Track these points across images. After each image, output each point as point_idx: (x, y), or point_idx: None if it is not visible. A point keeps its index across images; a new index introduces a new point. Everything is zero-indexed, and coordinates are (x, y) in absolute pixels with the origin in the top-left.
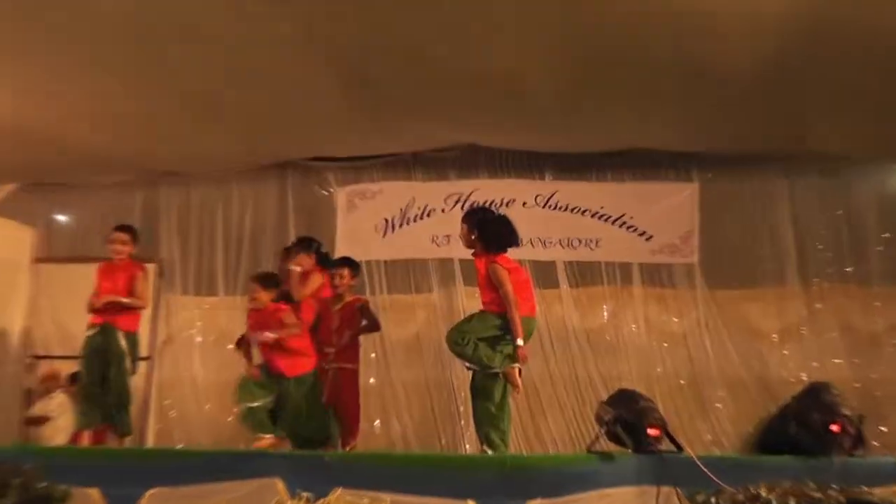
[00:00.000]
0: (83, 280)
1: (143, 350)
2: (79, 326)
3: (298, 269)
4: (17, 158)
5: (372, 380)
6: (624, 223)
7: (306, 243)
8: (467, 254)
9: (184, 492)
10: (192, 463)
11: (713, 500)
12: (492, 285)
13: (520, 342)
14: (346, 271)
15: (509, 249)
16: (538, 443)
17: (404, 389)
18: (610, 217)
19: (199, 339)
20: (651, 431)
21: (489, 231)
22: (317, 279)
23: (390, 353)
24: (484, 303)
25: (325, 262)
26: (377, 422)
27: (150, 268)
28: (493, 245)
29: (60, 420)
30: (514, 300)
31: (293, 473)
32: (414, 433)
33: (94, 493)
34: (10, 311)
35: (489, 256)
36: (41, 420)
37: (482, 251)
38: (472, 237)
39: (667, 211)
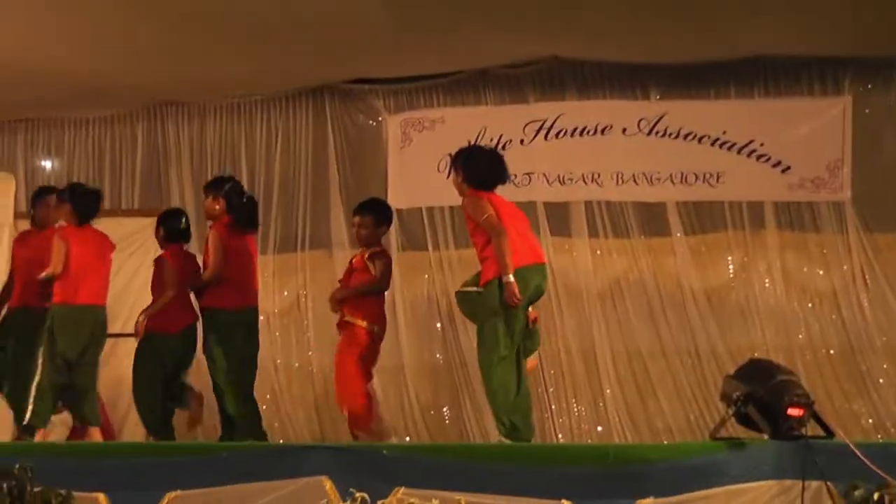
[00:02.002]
0: None
1: None
2: None
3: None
4: None
5: (438, 356)
6: (753, 151)
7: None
8: (553, 195)
9: (211, 495)
10: (220, 460)
11: (876, 495)
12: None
13: (510, 278)
14: (358, 218)
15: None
16: (648, 430)
17: (477, 367)
18: (735, 145)
19: None
20: (793, 412)
21: (473, 167)
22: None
23: (460, 322)
24: (481, 259)
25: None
26: (446, 408)
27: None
28: (476, 181)
29: None
30: (500, 229)
31: (344, 470)
32: (491, 421)
33: (100, 497)
34: None
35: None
36: None
37: (469, 191)
38: (460, 180)
39: (809, 135)
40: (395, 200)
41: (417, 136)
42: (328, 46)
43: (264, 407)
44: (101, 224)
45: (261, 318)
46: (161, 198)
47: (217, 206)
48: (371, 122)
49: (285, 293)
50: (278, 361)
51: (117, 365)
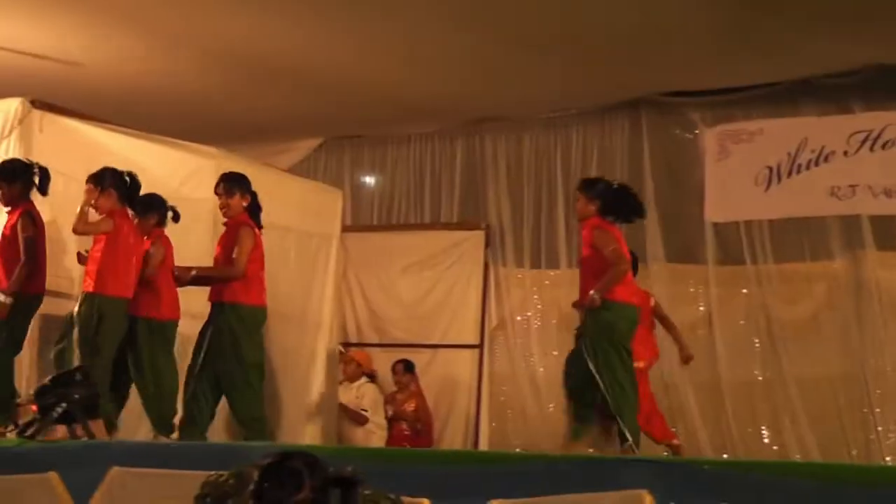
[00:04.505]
0: (391, 251)
1: (454, 334)
2: (387, 306)
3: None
4: (319, 110)
5: (757, 373)
6: None
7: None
8: (879, 208)
9: None
10: (533, 469)
11: None
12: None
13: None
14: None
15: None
16: None
17: (799, 386)
18: None
19: (537, 323)
20: None
21: (613, 201)
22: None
23: (779, 339)
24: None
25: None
26: (764, 427)
27: (477, 235)
28: (613, 214)
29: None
30: (626, 261)
31: (664, 484)
32: (815, 441)
33: (424, 502)
34: (319, 291)
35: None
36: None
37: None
38: (593, 209)
39: None
40: (711, 214)
41: (735, 148)
42: (646, 59)
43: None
44: (421, 237)
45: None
46: (479, 211)
47: (244, 203)
48: (687, 134)
49: None
50: None
51: (436, 373)
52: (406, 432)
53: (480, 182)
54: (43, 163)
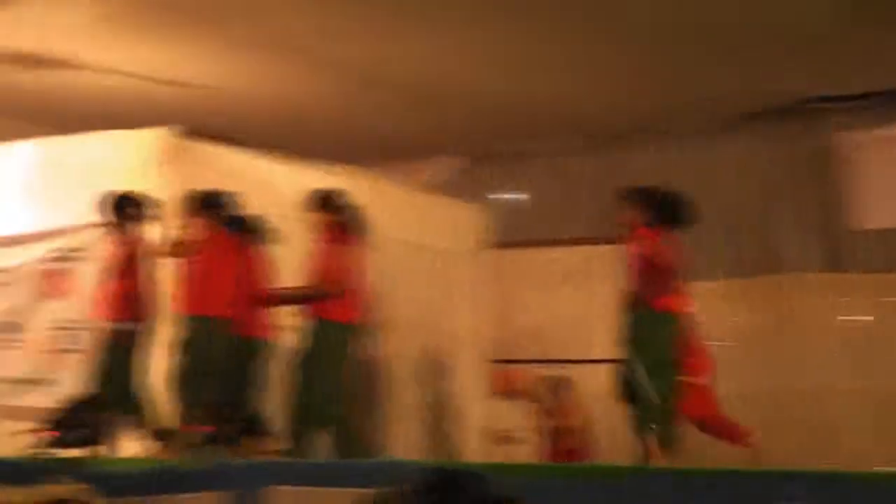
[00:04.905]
0: (542, 266)
1: (610, 347)
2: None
3: None
4: (463, 128)
5: None
6: None
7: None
8: None
9: None
10: (695, 483)
11: None
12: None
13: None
14: None
15: None
16: None
17: None
18: None
19: None
20: None
21: (662, 208)
22: None
23: None
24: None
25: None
26: None
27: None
28: (662, 222)
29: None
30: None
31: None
32: None
33: None
34: (458, 307)
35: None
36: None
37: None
38: (642, 220)
39: None
40: (858, 221)
41: (880, 155)
42: (788, 64)
43: None
44: (573, 251)
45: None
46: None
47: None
48: (835, 141)
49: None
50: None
51: (594, 387)
52: (565, 448)
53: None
54: (188, 189)
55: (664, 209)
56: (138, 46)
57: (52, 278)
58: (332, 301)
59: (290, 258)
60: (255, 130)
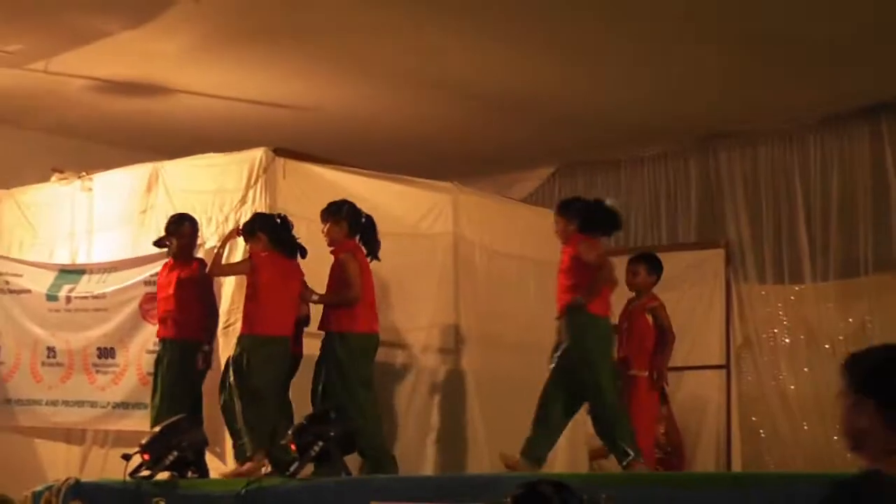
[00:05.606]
0: None
1: (699, 354)
2: None
3: None
4: (551, 138)
5: None
6: None
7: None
8: None
9: None
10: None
11: None
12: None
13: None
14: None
15: None
16: None
17: None
18: None
19: (786, 339)
20: None
21: (590, 217)
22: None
23: None
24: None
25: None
26: None
27: (717, 253)
28: (592, 229)
29: None
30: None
31: None
32: None
33: None
34: None
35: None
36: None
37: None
38: (572, 228)
39: None
40: None
41: None
42: (884, 61)
43: None
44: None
45: (826, 346)
46: (717, 229)
47: (340, 230)
48: None
49: (850, 319)
50: None
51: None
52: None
53: (717, 199)
54: (287, 209)
55: (594, 217)
56: (235, 70)
57: (149, 304)
58: (344, 312)
59: (396, 274)
60: (351, 149)
